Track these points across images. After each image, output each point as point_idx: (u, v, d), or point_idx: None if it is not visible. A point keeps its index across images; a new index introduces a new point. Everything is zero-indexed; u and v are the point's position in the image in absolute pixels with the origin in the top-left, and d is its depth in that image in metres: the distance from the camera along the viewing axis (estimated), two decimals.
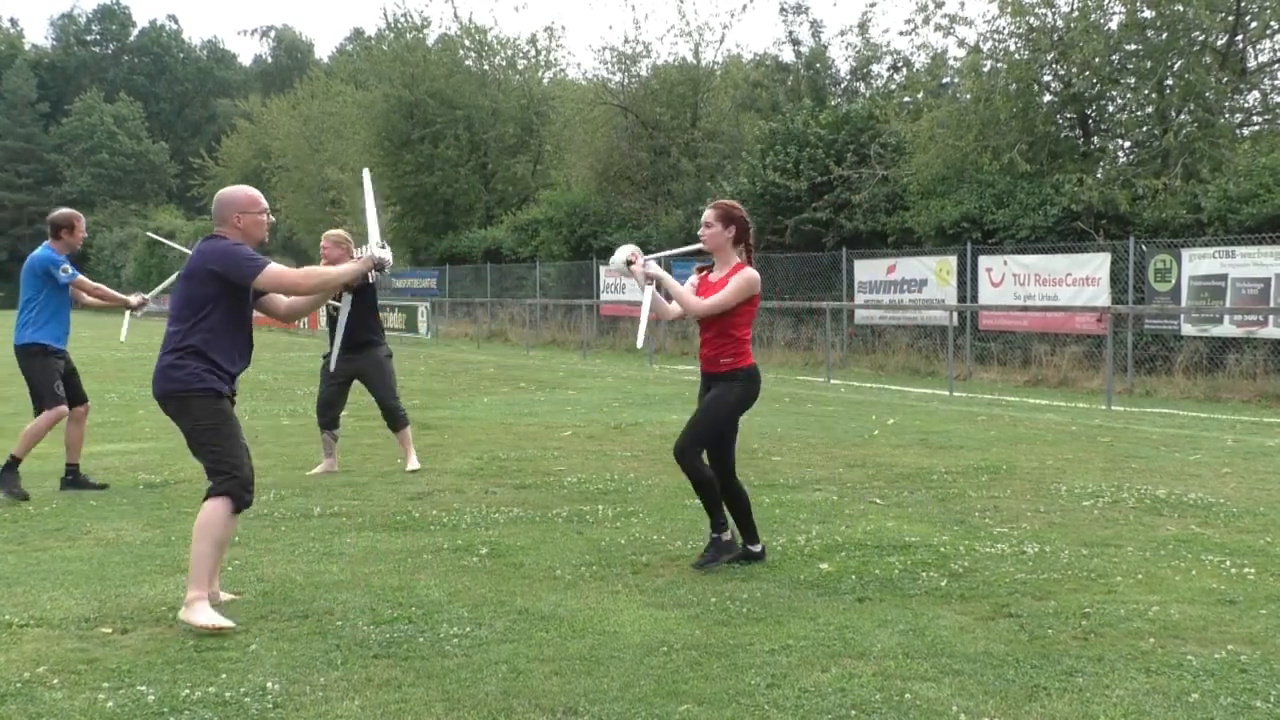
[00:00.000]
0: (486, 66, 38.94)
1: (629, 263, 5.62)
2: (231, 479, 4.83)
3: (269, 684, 4.01)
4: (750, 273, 5.61)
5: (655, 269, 5.66)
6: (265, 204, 5.07)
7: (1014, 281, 18.26)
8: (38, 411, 8.06)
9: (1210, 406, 13.79)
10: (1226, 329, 15.53)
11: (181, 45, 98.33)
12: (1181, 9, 17.60)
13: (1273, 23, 18.17)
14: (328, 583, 5.43)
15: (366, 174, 6.04)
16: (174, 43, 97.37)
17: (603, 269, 27.75)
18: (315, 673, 4.15)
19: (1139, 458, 9.44)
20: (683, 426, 5.78)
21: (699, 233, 5.79)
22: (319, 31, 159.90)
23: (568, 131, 34.58)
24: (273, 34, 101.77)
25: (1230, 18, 17.76)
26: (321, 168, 44.72)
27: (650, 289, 5.63)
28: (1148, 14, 18.20)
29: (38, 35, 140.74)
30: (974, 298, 18.67)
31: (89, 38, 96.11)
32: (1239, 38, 18.29)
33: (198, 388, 4.84)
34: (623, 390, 15.95)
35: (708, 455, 5.70)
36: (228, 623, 4.65)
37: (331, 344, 6.70)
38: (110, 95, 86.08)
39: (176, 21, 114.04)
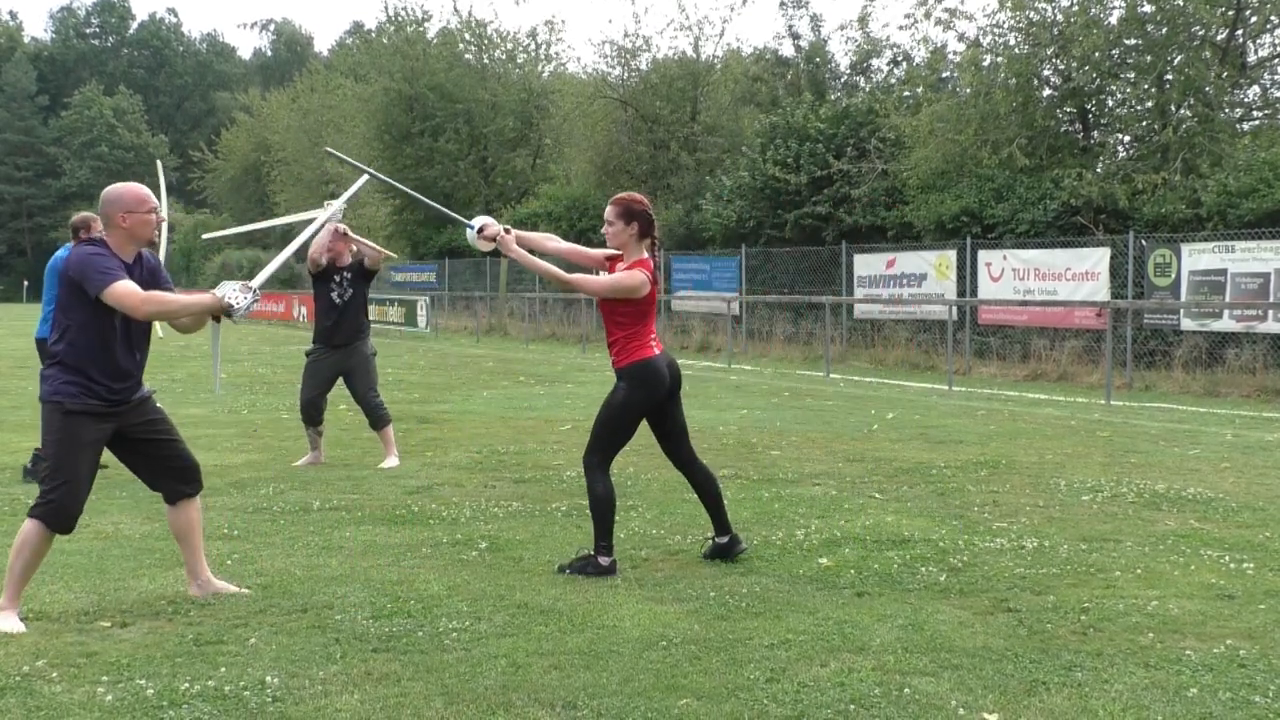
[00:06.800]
0: (486, 60, 38.93)
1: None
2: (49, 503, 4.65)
3: (268, 678, 4.01)
4: (635, 273, 5.45)
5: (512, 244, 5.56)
6: (154, 203, 4.82)
7: (1013, 276, 18.26)
8: None
9: (1209, 401, 13.78)
10: (1226, 324, 15.53)
11: (181, 38, 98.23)
12: (1181, 3, 17.58)
13: (1272, 17, 18.17)
14: (327, 577, 5.43)
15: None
16: (173, 36, 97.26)
17: None
18: (314, 666, 4.15)
19: (1138, 452, 9.44)
20: (682, 422, 5.86)
21: (603, 230, 5.64)
22: (319, 25, 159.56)
23: (567, 125, 34.56)
24: (272, 27, 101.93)
25: (1230, 12, 17.75)
26: (321, 161, 44.68)
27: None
28: (1147, 8, 18.20)
29: (37, 28, 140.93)
30: (973, 292, 18.67)
31: (88, 31, 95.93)
32: (1239, 32, 18.29)
33: (53, 400, 4.69)
34: None
35: (665, 451, 5.73)
36: (18, 628, 4.58)
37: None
38: (110, 88, 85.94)
39: (176, 15, 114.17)
